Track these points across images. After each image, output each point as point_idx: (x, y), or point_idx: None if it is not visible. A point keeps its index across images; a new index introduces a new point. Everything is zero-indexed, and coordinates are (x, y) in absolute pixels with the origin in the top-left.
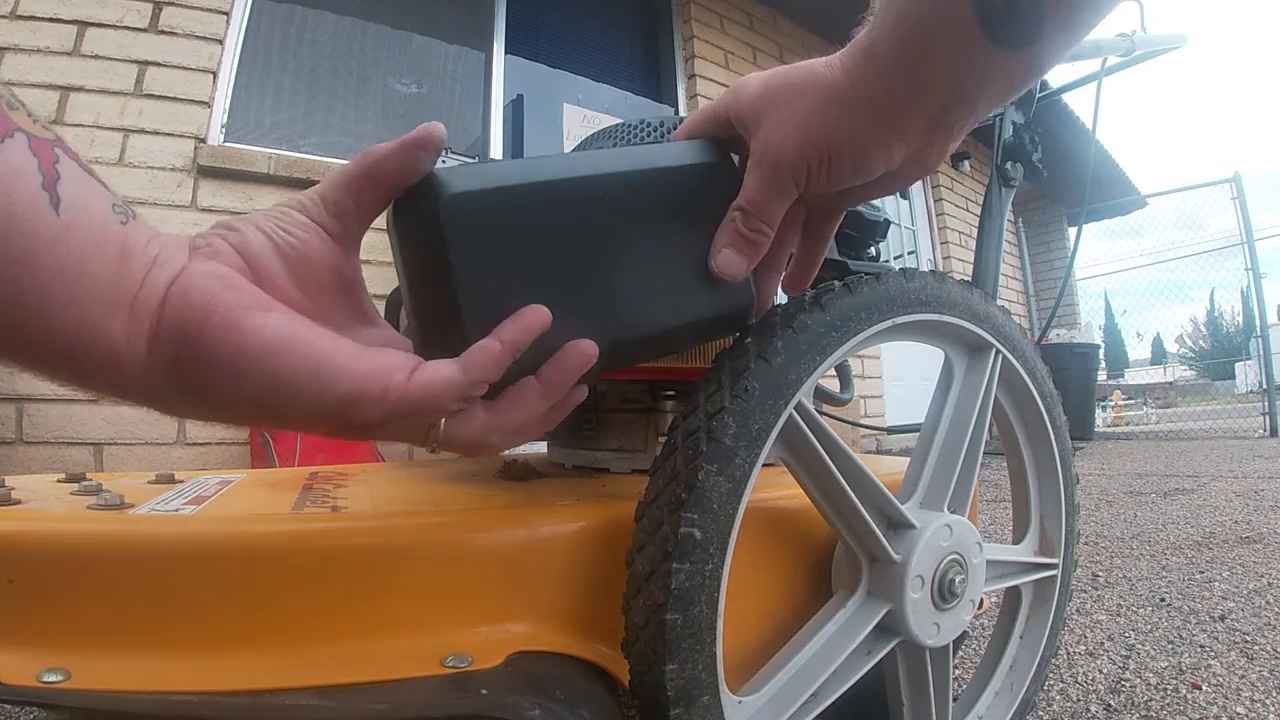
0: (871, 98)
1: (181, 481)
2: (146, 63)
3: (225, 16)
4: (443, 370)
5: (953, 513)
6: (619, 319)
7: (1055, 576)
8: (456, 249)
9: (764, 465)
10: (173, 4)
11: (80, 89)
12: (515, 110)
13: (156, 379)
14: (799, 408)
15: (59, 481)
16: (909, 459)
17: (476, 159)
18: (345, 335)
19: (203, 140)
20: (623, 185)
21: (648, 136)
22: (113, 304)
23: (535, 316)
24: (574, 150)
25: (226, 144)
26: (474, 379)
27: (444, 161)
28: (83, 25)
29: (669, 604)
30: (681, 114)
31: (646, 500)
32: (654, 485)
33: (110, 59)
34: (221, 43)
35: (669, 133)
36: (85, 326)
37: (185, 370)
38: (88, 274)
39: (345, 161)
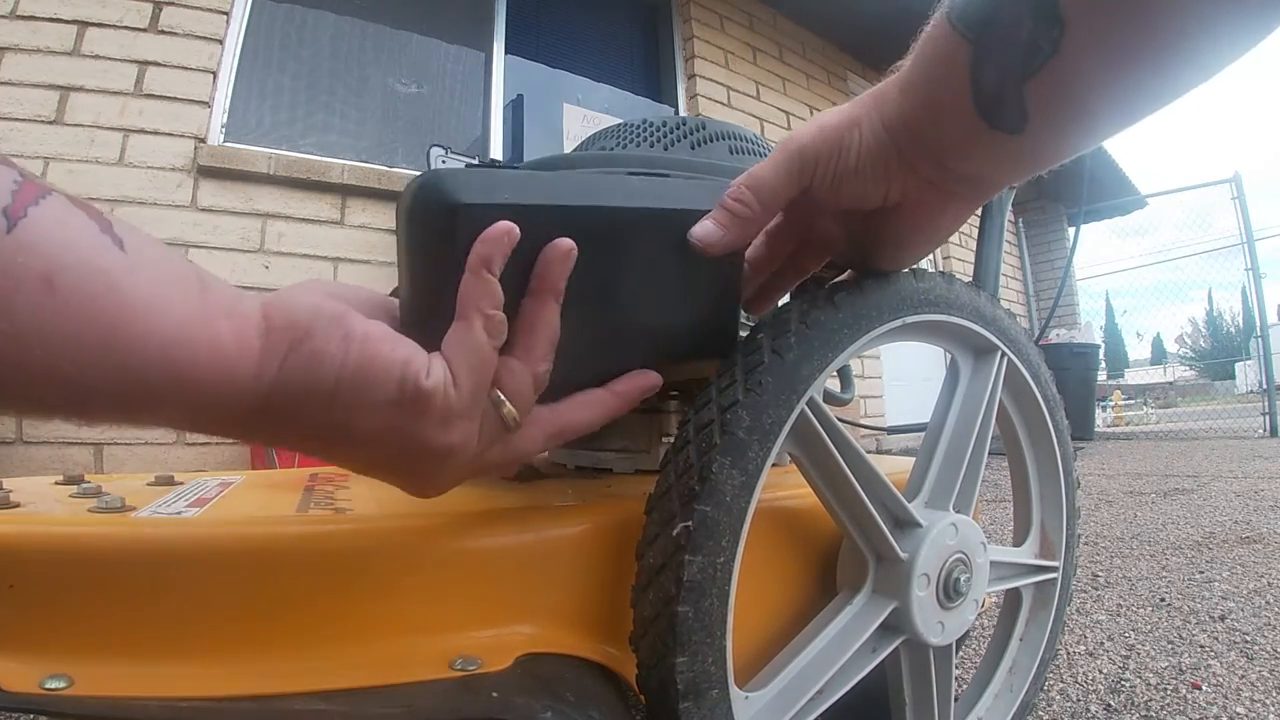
0: (887, 118)
1: (181, 483)
2: (146, 63)
3: (225, 16)
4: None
5: (958, 512)
6: (611, 352)
7: (1055, 580)
8: (458, 258)
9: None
10: (173, 4)
11: (80, 89)
12: (515, 110)
13: (267, 377)
14: (811, 403)
15: (57, 484)
16: (913, 459)
17: (477, 159)
18: None
19: (203, 140)
20: (647, 220)
21: (651, 136)
22: (207, 314)
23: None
24: (576, 150)
25: (226, 144)
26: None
27: (443, 162)
28: (83, 25)
29: (681, 596)
30: (682, 113)
31: (658, 493)
32: (666, 477)
33: (110, 59)
34: (221, 43)
35: (672, 132)
36: (185, 326)
37: (296, 366)
38: (173, 300)
39: (345, 162)
